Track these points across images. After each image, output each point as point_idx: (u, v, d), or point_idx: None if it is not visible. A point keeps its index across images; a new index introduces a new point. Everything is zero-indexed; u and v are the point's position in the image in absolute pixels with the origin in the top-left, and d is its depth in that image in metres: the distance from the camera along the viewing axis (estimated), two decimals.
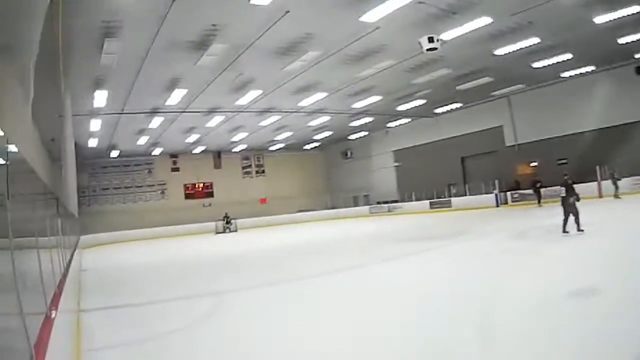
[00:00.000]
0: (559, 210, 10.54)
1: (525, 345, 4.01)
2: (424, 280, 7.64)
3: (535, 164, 25.23)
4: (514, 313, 5.00)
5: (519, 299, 5.50)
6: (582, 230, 10.00)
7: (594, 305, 4.95)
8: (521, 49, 17.18)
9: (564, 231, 10.17)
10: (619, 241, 8.90)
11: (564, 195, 10.39)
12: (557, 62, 19.68)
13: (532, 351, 3.84)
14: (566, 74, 22.11)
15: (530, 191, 23.51)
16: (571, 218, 10.13)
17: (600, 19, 14.90)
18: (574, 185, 10.65)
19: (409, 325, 5.03)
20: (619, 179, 19.70)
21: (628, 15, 14.58)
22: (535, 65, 19.78)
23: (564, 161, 22.91)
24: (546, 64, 19.73)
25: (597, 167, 20.74)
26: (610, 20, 15.01)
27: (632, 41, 17.54)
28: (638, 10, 14.33)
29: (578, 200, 10.23)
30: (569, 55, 19.00)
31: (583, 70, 21.64)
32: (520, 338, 4.20)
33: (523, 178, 25.37)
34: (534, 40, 16.54)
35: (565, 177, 10.82)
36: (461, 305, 5.53)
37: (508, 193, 25.77)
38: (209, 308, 7.02)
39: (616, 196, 19.44)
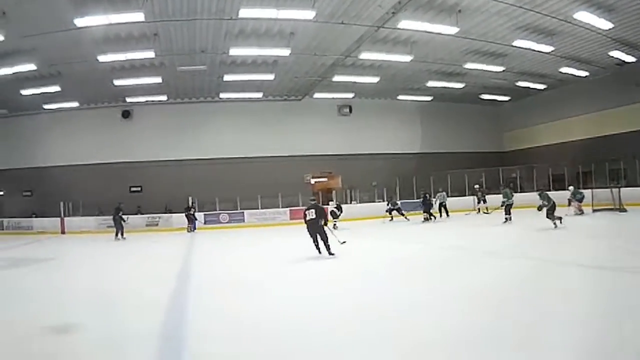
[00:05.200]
0: None
1: None
2: None
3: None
4: None
5: None
6: None
7: None
8: (15, 73, 15.28)
9: None
10: None
11: None
12: (46, 93, 18.76)
13: None
14: (51, 106, 21.25)
15: None
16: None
17: (103, 58, 15.47)
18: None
19: None
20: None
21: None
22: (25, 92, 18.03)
23: (28, 193, 22.72)
24: (35, 93, 18.42)
25: (61, 203, 21.02)
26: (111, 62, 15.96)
27: (124, 85, 19.13)
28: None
29: None
30: (57, 88, 18.51)
31: (67, 105, 21.50)
32: None
33: None
34: (31, 66, 15.17)
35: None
36: None
37: None
38: None
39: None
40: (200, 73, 18.85)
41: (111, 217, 16.91)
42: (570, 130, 25.34)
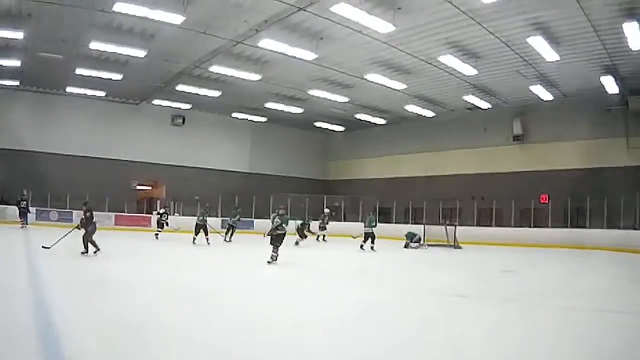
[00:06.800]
0: None
1: None
2: None
3: None
4: None
5: None
6: None
7: None
8: None
9: None
10: None
11: None
12: None
13: None
14: None
15: None
16: None
17: None
18: None
19: None
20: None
21: None
22: None
23: None
24: None
25: None
26: None
27: None
28: None
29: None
30: None
31: None
32: None
33: None
34: None
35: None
36: None
37: None
38: None
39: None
40: (56, 63, 17.73)
41: None
42: (400, 167, 27.42)
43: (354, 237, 18.73)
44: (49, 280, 7.98)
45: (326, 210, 21.65)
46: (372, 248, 16.23)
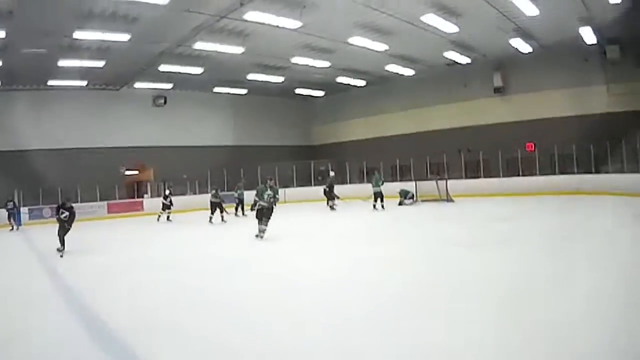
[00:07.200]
0: None
1: None
2: None
3: None
4: None
5: None
6: None
7: None
8: None
9: None
10: None
11: None
12: None
13: None
14: None
15: None
16: None
17: None
18: None
19: None
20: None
21: None
22: None
23: None
24: None
25: None
26: None
27: None
28: None
29: None
30: None
31: None
32: None
33: None
34: None
35: None
36: None
37: None
38: None
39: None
40: (36, 58, 17.48)
41: None
42: (384, 126, 27.65)
43: (364, 200, 19.04)
44: (72, 281, 7.82)
45: (332, 174, 22.14)
46: (382, 207, 17.13)
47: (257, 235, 10.94)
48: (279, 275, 7.28)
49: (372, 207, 17.25)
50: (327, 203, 19.59)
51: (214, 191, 17.32)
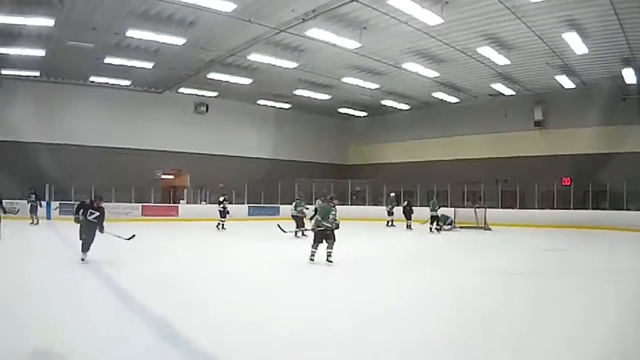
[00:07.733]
0: None
1: None
2: None
3: None
4: None
5: None
6: None
7: None
8: None
9: None
10: None
11: None
12: None
13: None
14: None
15: None
16: None
17: None
18: None
19: None
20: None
21: None
22: None
23: None
24: None
25: None
26: None
27: None
28: None
29: None
30: None
31: None
32: None
33: None
34: None
35: None
36: None
37: None
38: None
39: None
40: (81, 52, 17.27)
41: None
42: (422, 151, 27.57)
43: (423, 223, 18.72)
44: (122, 278, 7.72)
45: (392, 195, 21.92)
46: (437, 230, 17.95)
47: (310, 259, 9.63)
48: (363, 303, 6.54)
49: (428, 229, 17.99)
50: (387, 223, 20.56)
51: (297, 207, 15.47)
